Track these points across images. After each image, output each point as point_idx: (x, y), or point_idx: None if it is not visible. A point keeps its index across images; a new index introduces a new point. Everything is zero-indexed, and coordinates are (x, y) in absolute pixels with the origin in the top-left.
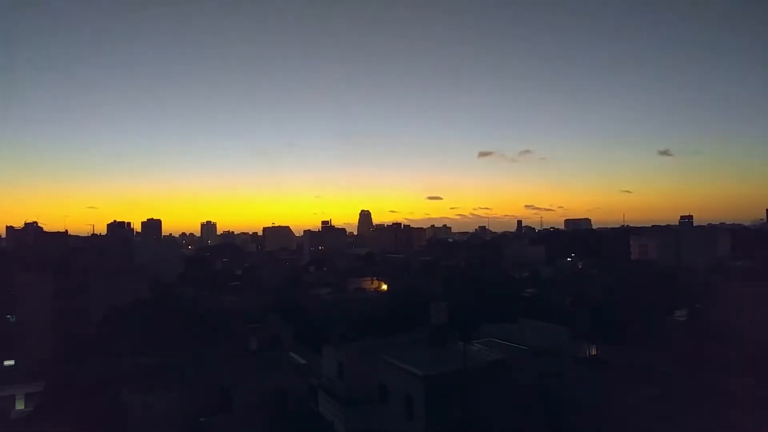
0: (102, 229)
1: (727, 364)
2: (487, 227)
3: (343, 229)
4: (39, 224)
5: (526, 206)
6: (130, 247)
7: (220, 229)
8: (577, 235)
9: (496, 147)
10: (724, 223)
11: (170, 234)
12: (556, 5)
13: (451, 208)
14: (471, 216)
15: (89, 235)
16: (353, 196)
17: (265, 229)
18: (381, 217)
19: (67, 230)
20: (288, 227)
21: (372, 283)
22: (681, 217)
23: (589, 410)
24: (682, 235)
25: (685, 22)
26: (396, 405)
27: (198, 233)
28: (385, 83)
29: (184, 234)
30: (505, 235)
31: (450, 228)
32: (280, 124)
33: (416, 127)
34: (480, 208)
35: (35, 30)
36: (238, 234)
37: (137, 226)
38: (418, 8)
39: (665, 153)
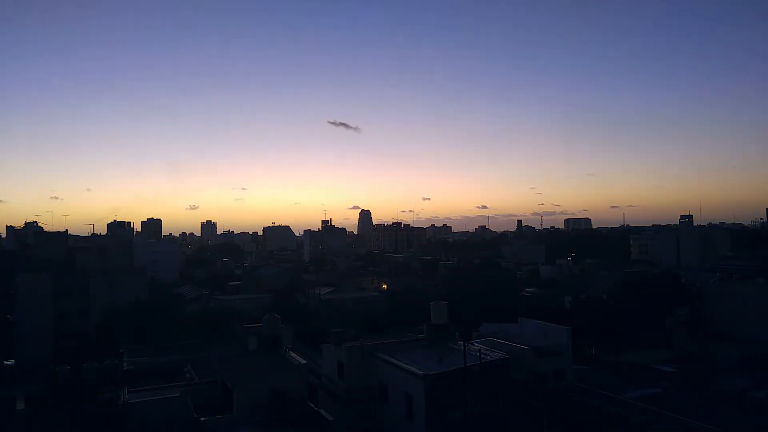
0: (102, 229)
1: (727, 364)
2: (487, 227)
3: (343, 229)
4: (39, 224)
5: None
6: (130, 247)
7: (220, 229)
8: (577, 235)
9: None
10: (724, 223)
11: (170, 234)
12: None
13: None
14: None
15: (89, 235)
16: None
17: (265, 229)
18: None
19: (67, 230)
20: (288, 227)
21: (372, 283)
22: (681, 217)
23: (589, 409)
24: (682, 235)
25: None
26: (396, 404)
27: (198, 233)
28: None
29: (184, 234)
30: (505, 235)
31: (450, 228)
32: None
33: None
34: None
35: (32, 31)
36: (238, 234)
37: (137, 226)
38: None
39: (663, 151)
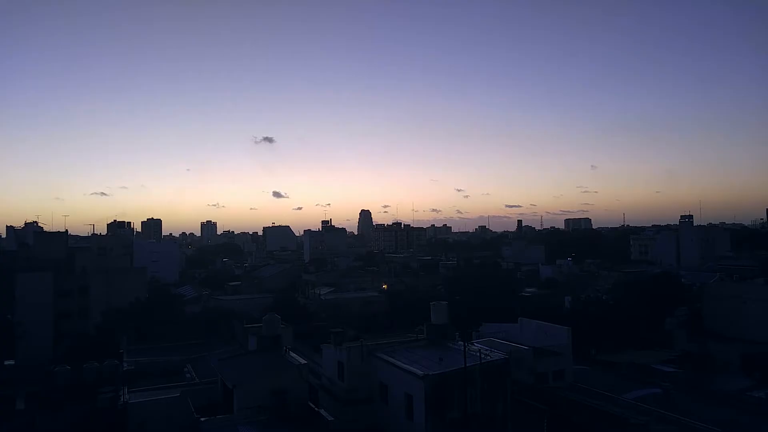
0: (102, 229)
1: (727, 364)
2: (487, 227)
3: (343, 229)
4: (39, 224)
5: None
6: (131, 247)
7: (220, 229)
8: (577, 235)
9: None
10: (724, 223)
11: (170, 234)
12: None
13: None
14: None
15: (89, 235)
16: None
17: (265, 229)
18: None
19: (67, 230)
20: (288, 227)
21: (372, 283)
22: (681, 217)
23: (589, 409)
24: (682, 235)
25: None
26: (396, 405)
27: (198, 233)
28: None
29: (184, 234)
30: (505, 235)
31: (450, 228)
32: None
33: None
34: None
35: (32, 33)
36: (238, 234)
37: (137, 226)
38: None
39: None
